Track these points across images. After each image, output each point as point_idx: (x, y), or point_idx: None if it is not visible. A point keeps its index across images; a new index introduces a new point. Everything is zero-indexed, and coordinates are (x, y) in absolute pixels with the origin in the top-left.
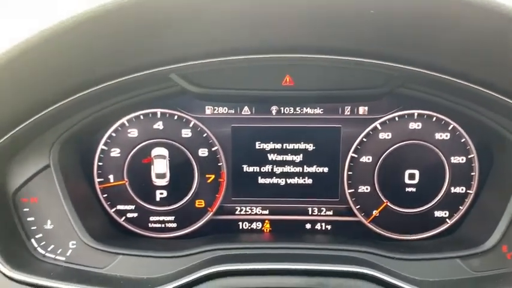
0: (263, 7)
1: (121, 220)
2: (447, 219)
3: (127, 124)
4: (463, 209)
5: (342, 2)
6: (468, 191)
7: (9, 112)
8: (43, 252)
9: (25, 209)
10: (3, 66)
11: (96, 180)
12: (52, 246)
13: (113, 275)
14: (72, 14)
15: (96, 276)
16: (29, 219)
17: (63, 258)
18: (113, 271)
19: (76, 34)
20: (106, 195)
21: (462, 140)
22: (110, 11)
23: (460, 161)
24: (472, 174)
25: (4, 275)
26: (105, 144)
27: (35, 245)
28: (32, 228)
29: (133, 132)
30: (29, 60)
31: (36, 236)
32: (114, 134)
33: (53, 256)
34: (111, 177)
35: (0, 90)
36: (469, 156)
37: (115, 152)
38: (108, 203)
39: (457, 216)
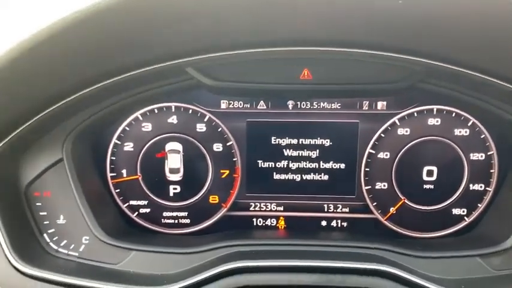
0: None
1: (133, 216)
2: (465, 217)
3: (141, 118)
4: (481, 206)
5: None
6: (487, 188)
7: (22, 105)
8: (56, 247)
9: (38, 203)
10: (16, 59)
11: (109, 174)
12: (65, 241)
13: (126, 271)
14: (85, 6)
15: (110, 272)
16: (41, 213)
17: (76, 254)
18: (127, 267)
19: (89, 26)
20: (119, 190)
21: (482, 136)
22: (125, 2)
23: (479, 158)
24: (491, 171)
25: (17, 269)
26: (119, 138)
27: (48, 240)
28: (45, 222)
29: (147, 127)
30: (41, 53)
31: (49, 231)
32: (127, 128)
33: (65, 251)
34: (124, 171)
35: (13, 82)
36: (489, 153)
37: (128, 147)
38: (121, 198)
39: (475, 214)
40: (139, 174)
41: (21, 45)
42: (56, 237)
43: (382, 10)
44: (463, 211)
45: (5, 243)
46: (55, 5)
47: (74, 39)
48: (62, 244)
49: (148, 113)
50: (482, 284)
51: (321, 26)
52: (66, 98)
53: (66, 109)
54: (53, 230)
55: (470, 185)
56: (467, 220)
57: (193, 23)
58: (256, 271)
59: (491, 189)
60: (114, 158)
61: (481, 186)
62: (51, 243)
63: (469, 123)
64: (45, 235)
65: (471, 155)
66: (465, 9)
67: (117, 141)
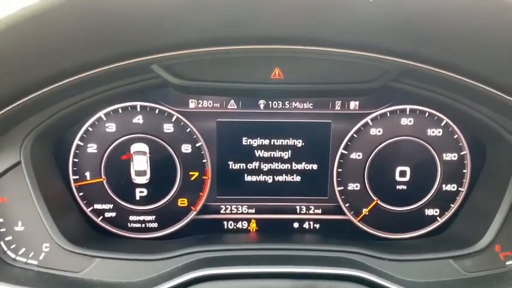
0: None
1: (98, 220)
2: (438, 218)
3: (104, 118)
4: (454, 207)
5: None
6: (460, 189)
7: None
8: (13, 255)
9: None
10: None
11: (72, 177)
12: (23, 249)
13: (89, 279)
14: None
15: (72, 281)
16: None
17: (36, 262)
18: (90, 275)
19: (49, 19)
20: (82, 193)
21: (455, 137)
22: None
23: (452, 158)
24: (464, 171)
25: None
26: (81, 139)
27: (5, 248)
28: (1, 230)
29: (111, 127)
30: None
31: (6, 239)
32: (90, 129)
33: (24, 260)
34: (87, 174)
35: None
36: (462, 153)
37: (92, 148)
38: (85, 202)
39: (448, 215)
40: (103, 177)
41: None
42: (14, 245)
43: (353, 8)
44: (436, 211)
45: None
46: None
47: (33, 34)
48: (20, 252)
49: (112, 113)
50: (454, 287)
51: (292, 23)
52: (24, 97)
53: (25, 109)
54: (10, 238)
55: (443, 186)
56: (440, 221)
57: (159, 19)
58: (226, 278)
59: (463, 189)
60: (76, 160)
61: (453, 187)
62: (8, 252)
63: (442, 123)
64: (1, 243)
65: (444, 155)
66: (438, 8)
67: (79, 143)
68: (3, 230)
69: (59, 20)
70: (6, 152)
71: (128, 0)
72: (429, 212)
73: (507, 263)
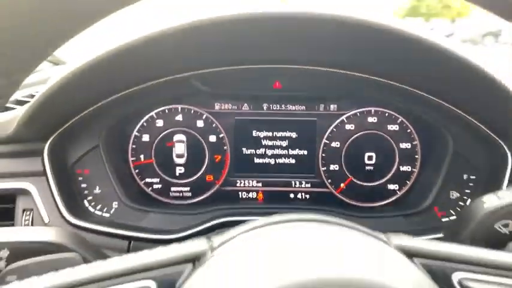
0: (261, 34)
1: (148, 190)
2: (397, 191)
3: (155, 116)
4: (409, 183)
5: (319, 28)
6: (413, 169)
7: (71, 105)
8: (92, 210)
9: (80, 178)
10: (79, 75)
11: (130, 159)
12: (100, 205)
13: (145, 226)
14: (133, 40)
15: (134, 227)
16: (82, 185)
17: (108, 215)
18: (146, 224)
19: (130, 56)
20: (137, 170)
21: (408, 131)
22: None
23: (407, 147)
24: (416, 156)
25: (69, 222)
26: (138, 131)
27: (87, 205)
28: (85, 192)
29: (160, 122)
30: (96, 72)
31: (88, 198)
32: (145, 124)
33: (100, 214)
34: (141, 156)
35: (70, 90)
36: (414, 143)
37: (145, 138)
38: (139, 176)
39: (405, 189)
40: (153, 158)
41: (85, 65)
42: (93, 203)
43: (333, 40)
44: (396, 186)
45: (61, 204)
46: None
47: (116, 66)
48: (97, 208)
49: (160, 113)
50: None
51: (290, 50)
52: (103, 100)
53: (102, 109)
54: (91, 198)
55: (400, 167)
56: (399, 193)
57: (198, 47)
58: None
59: (416, 170)
60: (134, 146)
61: (408, 168)
62: (89, 207)
63: (398, 121)
64: (85, 201)
65: (400, 144)
66: (389, 38)
67: (136, 134)
68: (86, 192)
69: (132, 53)
70: (89, 138)
71: (185, 40)
72: (391, 186)
73: (443, 220)
